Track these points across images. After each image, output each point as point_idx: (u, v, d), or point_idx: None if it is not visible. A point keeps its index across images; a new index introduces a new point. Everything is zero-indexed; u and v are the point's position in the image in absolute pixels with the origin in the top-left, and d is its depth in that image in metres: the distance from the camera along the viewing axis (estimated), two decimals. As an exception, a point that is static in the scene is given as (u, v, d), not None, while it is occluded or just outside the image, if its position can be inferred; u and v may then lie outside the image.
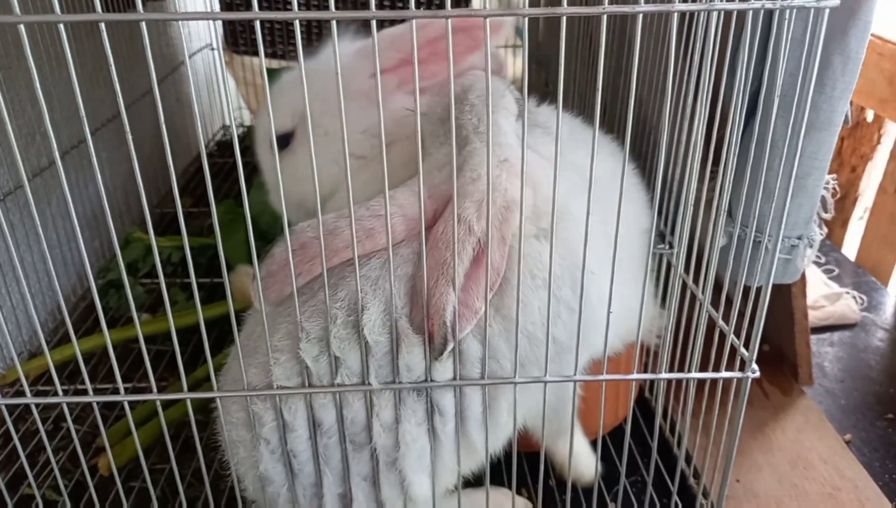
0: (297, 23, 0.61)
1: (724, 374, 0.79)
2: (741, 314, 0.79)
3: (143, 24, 0.59)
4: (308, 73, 0.62)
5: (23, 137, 1.28)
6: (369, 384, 0.73)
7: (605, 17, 0.63)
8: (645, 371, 1.02)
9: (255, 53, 2.28)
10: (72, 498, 0.95)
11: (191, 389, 0.76)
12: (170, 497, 0.98)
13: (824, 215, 1.04)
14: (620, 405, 1.03)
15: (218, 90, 2.20)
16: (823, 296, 1.49)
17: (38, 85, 0.59)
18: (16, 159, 0.64)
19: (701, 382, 0.84)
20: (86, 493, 0.96)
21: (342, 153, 0.64)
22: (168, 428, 0.77)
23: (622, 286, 0.73)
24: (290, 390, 0.73)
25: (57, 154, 0.63)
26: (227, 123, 2.35)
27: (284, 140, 0.89)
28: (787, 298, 1.16)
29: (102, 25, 0.58)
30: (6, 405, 0.79)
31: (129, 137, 0.62)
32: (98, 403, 0.75)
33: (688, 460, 1.01)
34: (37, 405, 0.79)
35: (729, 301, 0.82)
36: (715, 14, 0.69)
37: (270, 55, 2.21)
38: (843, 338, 1.42)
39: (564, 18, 0.62)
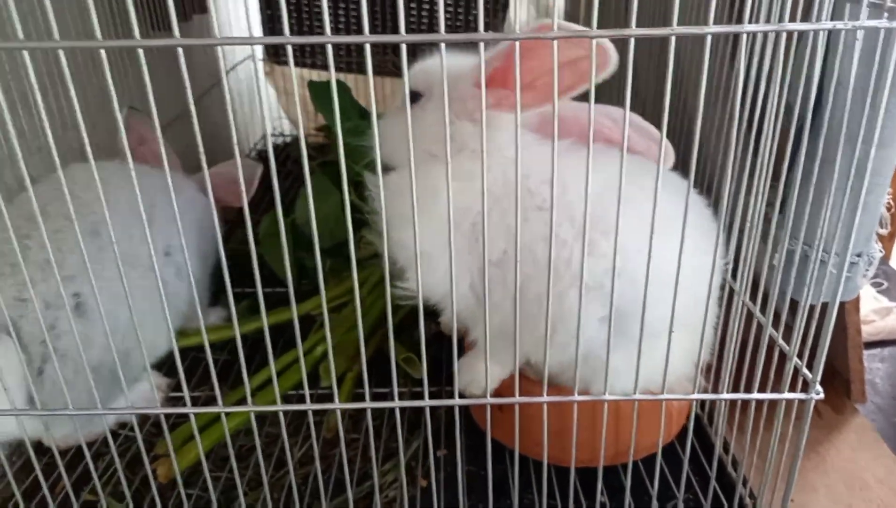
0: (328, 46, 0.62)
1: (787, 395, 0.78)
2: (802, 334, 0.78)
3: (180, 50, 0.59)
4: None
5: (61, 156, 1.30)
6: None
7: (673, 38, 0.63)
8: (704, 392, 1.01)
9: (295, 65, 2.31)
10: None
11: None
12: (224, 505, 0.99)
13: (881, 232, 1.03)
14: (674, 424, 1.02)
15: (260, 100, 2.23)
16: (873, 310, 1.46)
17: (78, 110, 0.61)
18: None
19: (759, 402, 0.83)
20: (144, 502, 0.98)
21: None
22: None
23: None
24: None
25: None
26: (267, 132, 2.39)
27: (414, 97, 0.97)
28: (840, 313, 1.14)
29: (141, 52, 0.59)
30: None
31: (165, 157, 0.64)
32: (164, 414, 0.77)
33: (744, 481, 1.00)
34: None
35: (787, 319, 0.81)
36: (784, 34, 0.69)
37: (310, 66, 2.25)
38: (893, 353, 1.39)
39: (633, 40, 0.63)
